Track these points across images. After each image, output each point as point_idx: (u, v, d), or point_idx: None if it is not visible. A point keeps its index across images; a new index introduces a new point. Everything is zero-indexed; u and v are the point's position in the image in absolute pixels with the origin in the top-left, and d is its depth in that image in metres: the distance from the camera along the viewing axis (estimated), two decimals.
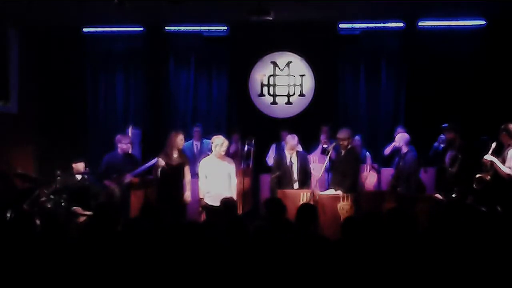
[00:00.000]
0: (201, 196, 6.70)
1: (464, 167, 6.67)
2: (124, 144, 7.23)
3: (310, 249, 3.72)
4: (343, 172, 6.79)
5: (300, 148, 7.51)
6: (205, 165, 6.77)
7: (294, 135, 7.05)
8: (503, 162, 6.16)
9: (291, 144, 6.91)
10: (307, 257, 3.57)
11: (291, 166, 6.94)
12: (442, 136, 7.73)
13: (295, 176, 6.90)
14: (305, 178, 6.94)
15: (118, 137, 7.34)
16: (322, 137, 8.31)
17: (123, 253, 3.63)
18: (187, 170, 7.04)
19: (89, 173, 7.13)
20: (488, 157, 6.25)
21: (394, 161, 7.81)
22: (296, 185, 6.90)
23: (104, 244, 3.77)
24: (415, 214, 4.67)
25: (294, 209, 4.75)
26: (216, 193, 6.40)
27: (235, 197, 6.52)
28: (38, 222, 4.56)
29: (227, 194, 6.04)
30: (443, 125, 7.44)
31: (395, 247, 3.64)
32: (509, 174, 6.09)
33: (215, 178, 6.67)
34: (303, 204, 4.85)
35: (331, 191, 6.76)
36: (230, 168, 6.75)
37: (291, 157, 6.96)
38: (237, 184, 6.91)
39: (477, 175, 6.36)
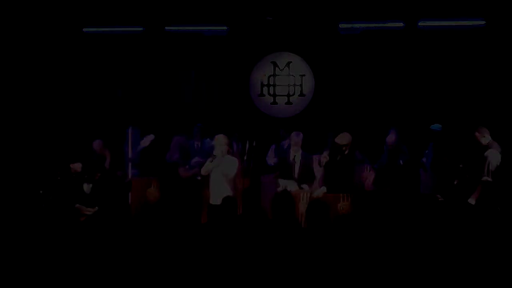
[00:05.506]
0: None
1: (463, 167, 6.68)
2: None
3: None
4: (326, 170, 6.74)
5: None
6: None
7: (299, 132, 7.06)
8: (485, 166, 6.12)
9: (295, 140, 6.94)
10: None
11: (294, 164, 6.93)
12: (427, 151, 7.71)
13: (296, 175, 6.89)
14: (305, 179, 6.89)
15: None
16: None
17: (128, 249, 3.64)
18: None
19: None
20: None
21: (382, 160, 7.74)
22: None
23: (108, 240, 3.79)
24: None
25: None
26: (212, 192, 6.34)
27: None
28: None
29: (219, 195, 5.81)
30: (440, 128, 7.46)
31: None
32: (486, 179, 6.05)
33: (211, 178, 6.49)
34: (278, 193, 4.83)
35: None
36: (226, 168, 6.39)
37: (295, 155, 6.96)
38: (236, 185, 6.61)
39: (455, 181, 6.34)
